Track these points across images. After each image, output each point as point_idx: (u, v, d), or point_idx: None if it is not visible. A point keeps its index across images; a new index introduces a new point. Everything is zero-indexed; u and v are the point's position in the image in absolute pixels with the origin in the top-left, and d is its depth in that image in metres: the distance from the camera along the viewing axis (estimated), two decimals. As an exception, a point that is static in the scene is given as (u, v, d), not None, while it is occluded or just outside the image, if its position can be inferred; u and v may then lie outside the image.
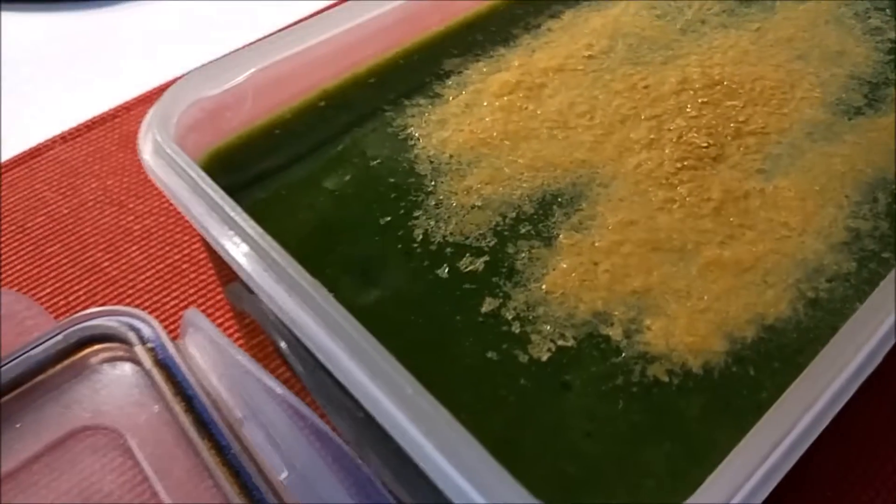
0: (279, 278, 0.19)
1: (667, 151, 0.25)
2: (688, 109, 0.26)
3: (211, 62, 0.24)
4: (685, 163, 0.24)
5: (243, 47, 0.25)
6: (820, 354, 0.17)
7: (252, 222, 0.20)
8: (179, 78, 0.24)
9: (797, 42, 0.29)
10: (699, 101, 0.26)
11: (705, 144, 0.25)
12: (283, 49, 0.25)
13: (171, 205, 0.37)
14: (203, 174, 0.21)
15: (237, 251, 0.20)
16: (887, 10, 0.30)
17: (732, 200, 0.23)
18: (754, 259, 0.22)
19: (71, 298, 0.34)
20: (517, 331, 0.20)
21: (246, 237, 0.20)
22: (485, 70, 0.28)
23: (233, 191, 0.21)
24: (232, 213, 0.20)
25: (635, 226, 0.23)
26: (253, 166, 0.25)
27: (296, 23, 0.28)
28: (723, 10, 0.30)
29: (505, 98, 0.27)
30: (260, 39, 0.26)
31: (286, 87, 0.26)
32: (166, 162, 0.22)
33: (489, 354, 0.20)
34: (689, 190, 0.24)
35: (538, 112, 0.26)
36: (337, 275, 0.22)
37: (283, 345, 0.26)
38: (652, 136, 0.25)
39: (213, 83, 0.24)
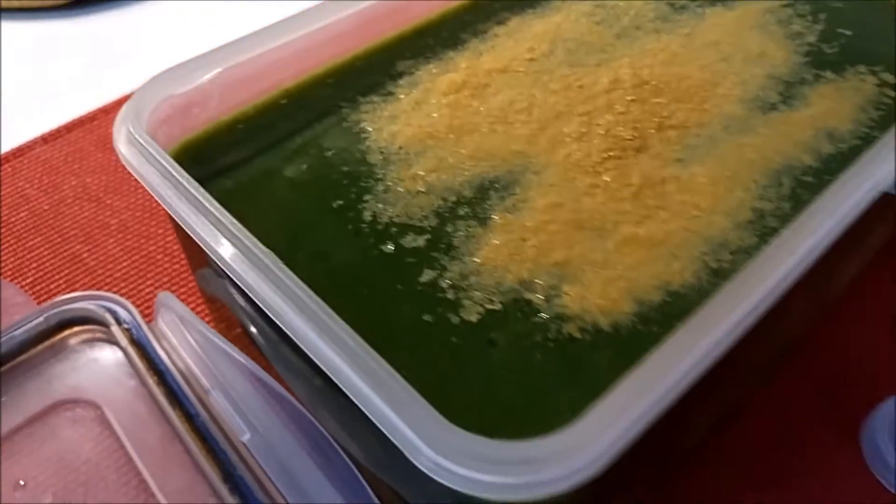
0: (241, 254, 0.21)
1: (595, 143, 0.27)
2: (617, 106, 0.29)
3: (180, 63, 0.27)
4: (610, 153, 0.27)
5: (210, 50, 0.28)
6: (701, 308, 0.19)
7: (216, 203, 0.22)
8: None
9: (723, 45, 0.32)
10: (628, 98, 0.29)
11: (630, 137, 0.28)
12: (247, 51, 0.28)
13: (146, 200, 0.40)
14: (172, 162, 0.23)
15: (204, 230, 0.22)
16: (808, 17, 0.33)
17: (650, 186, 0.26)
18: (665, 235, 0.24)
19: (52, 286, 0.36)
20: (451, 297, 0.23)
21: (212, 218, 0.22)
22: (435, 71, 0.31)
23: (200, 180, 0.23)
24: (198, 196, 0.22)
25: (561, 208, 0.25)
26: (219, 158, 0.27)
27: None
28: (656, 17, 0.33)
29: (452, 96, 0.29)
30: (226, 43, 0.28)
31: (250, 86, 0.29)
32: (139, 151, 0.24)
33: (425, 317, 0.22)
34: (612, 177, 0.26)
35: (481, 109, 0.29)
36: (293, 252, 0.24)
37: (247, 321, 0.28)
38: (582, 130, 0.28)
39: (181, 82, 0.27)
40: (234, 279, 0.21)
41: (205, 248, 0.22)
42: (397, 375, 0.18)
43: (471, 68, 0.30)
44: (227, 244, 0.22)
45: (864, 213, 0.25)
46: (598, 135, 0.28)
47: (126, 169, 0.36)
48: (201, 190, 0.23)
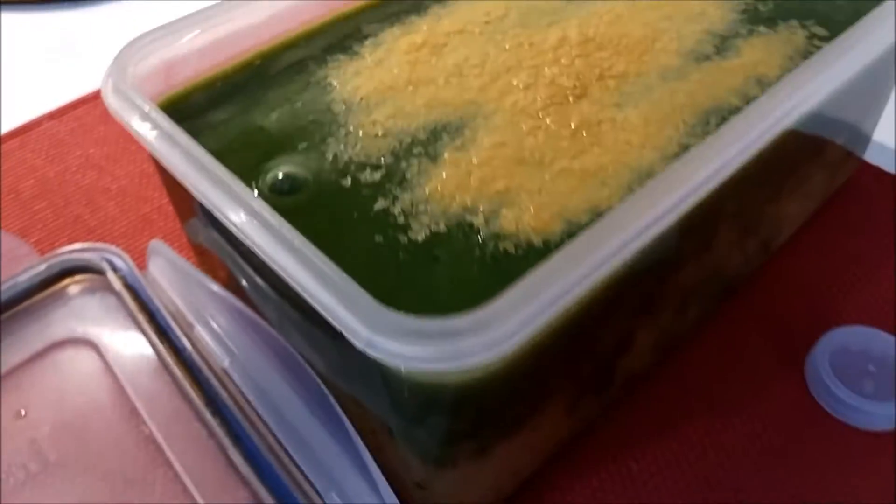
0: (216, 185, 0.24)
1: (540, 92, 0.30)
2: (562, 60, 0.31)
3: (162, 24, 0.30)
4: (554, 100, 0.30)
5: (191, 13, 0.30)
6: (610, 214, 0.22)
7: (194, 142, 0.25)
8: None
9: (666, 8, 0.34)
10: (573, 54, 0.32)
11: (572, 86, 0.30)
12: (225, 15, 0.31)
13: (144, 166, 0.43)
14: (154, 107, 0.26)
15: (184, 167, 0.25)
16: (750, -19, 0.36)
17: (587, 126, 0.28)
18: (598, 167, 0.27)
19: (55, 244, 0.39)
20: (401, 221, 0.26)
21: (190, 157, 0.25)
22: (398, 34, 0.33)
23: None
24: (177, 137, 0.25)
25: (505, 146, 0.28)
26: (198, 111, 0.30)
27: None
28: (605, -16, 0.36)
29: (412, 54, 0.32)
30: (206, 7, 0.31)
31: (228, 47, 0.32)
32: (124, 100, 0.27)
33: (377, 238, 0.25)
34: (553, 120, 0.29)
35: (438, 64, 0.32)
36: (263, 186, 0.27)
37: (225, 257, 0.31)
38: (529, 81, 0.30)
39: (163, 41, 0.30)
40: (205, 205, 0.24)
41: (182, 181, 0.25)
42: (340, 271, 0.21)
43: (430, 30, 0.33)
44: (201, 177, 0.24)
45: (778, 147, 0.28)
46: (544, 85, 0.30)
47: (126, 139, 0.39)
48: (180, 131, 0.25)
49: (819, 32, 0.32)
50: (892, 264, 0.36)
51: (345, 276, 0.20)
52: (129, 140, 0.45)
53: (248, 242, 0.23)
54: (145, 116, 0.26)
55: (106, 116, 0.47)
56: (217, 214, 0.24)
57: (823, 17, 0.33)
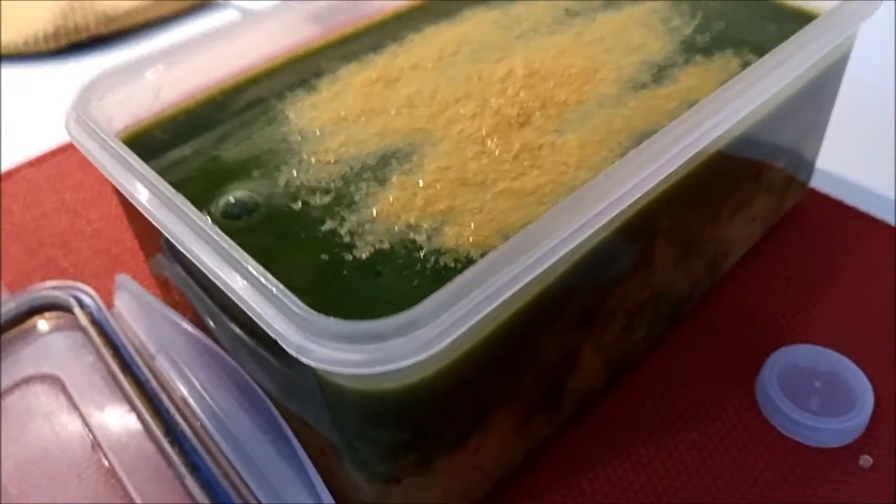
0: (170, 210, 0.25)
1: (486, 120, 0.31)
2: (508, 92, 0.33)
3: (127, 61, 0.31)
4: (498, 128, 0.31)
5: (156, 50, 0.32)
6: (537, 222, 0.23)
7: (154, 173, 0.26)
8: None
9: (608, 41, 0.36)
10: (518, 86, 0.33)
11: (516, 114, 0.32)
12: (188, 53, 0.33)
13: (117, 209, 0.44)
14: (114, 138, 0.28)
15: (143, 197, 0.26)
16: (688, 14, 0.37)
17: (528, 150, 0.30)
18: (536, 187, 0.28)
19: (28, 284, 0.40)
20: (347, 240, 0.27)
21: (148, 184, 0.26)
22: (355, 70, 0.35)
23: (143, 161, 0.27)
24: (140, 169, 0.26)
25: (450, 169, 0.29)
26: (159, 144, 0.31)
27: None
28: (553, 22, 0.38)
29: (367, 88, 0.34)
30: (171, 45, 0.33)
31: (190, 85, 0.33)
32: (86, 131, 0.28)
33: (323, 256, 0.26)
34: (496, 145, 0.30)
35: (391, 97, 0.33)
36: (216, 211, 0.28)
37: (187, 291, 0.32)
38: (476, 111, 0.32)
39: (128, 78, 0.31)
40: (160, 227, 0.25)
41: (139, 208, 0.26)
42: (272, 279, 0.22)
43: (386, 66, 0.35)
44: (158, 203, 0.25)
45: (707, 166, 0.29)
46: (490, 114, 0.32)
47: (101, 183, 0.40)
48: (135, 156, 0.27)
49: (752, 60, 0.34)
50: (839, 286, 0.37)
51: (276, 283, 0.21)
52: (103, 185, 0.47)
53: (191, 256, 0.24)
54: (105, 146, 0.27)
55: (83, 163, 0.48)
56: (162, 230, 0.25)
57: (757, 46, 0.34)
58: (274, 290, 0.21)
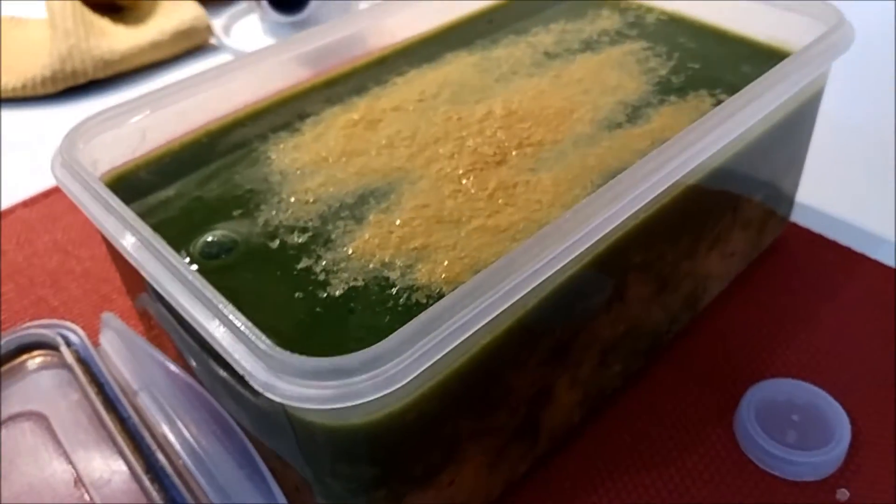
0: (147, 250, 0.26)
1: (463, 160, 0.32)
2: (486, 132, 0.34)
3: (114, 105, 0.32)
4: (475, 167, 0.32)
5: (142, 95, 0.33)
6: (504, 259, 0.23)
7: (133, 214, 0.27)
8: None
9: (585, 82, 0.37)
10: (496, 126, 0.34)
11: (493, 153, 0.32)
12: (174, 97, 0.33)
13: (111, 252, 0.45)
14: (97, 181, 0.28)
15: (121, 238, 0.26)
16: (664, 56, 0.38)
17: (503, 189, 0.30)
18: (509, 224, 0.29)
19: (18, 323, 0.40)
20: (322, 278, 0.27)
21: (127, 224, 0.27)
22: (338, 112, 0.36)
23: (126, 202, 0.28)
24: (121, 211, 0.27)
25: (427, 207, 0.30)
26: (143, 186, 0.32)
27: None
28: (532, 64, 0.39)
29: (348, 130, 0.34)
30: (157, 89, 0.33)
31: (176, 127, 0.34)
32: (70, 174, 0.29)
33: (297, 294, 0.27)
34: (472, 184, 0.31)
35: (372, 138, 0.34)
36: (196, 251, 0.29)
37: (168, 328, 0.32)
38: (454, 151, 0.33)
39: (114, 122, 0.32)
40: (137, 266, 0.26)
41: (120, 250, 0.26)
42: (242, 317, 0.22)
43: (368, 108, 0.36)
44: (139, 245, 0.26)
45: (679, 201, 0.29)
46: (467, 153, 0.32)
47: (91, 224, 0.41)
48: (116, 199, 0.27)
49: (725, 99, 0.34)
50: (819, 319, 0.38)
51: (245, 321, 0.22)
52: (93, 225, 0.47)
53: (166, 296, 0.24)
54: (88, 187, 0.28)
55: (74, 204, 0.49)
56: (141, 272, 0.25)
57: (730, 86, 0.35)
58: (242, 327, 0.22)
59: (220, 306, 0.22)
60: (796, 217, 0.43)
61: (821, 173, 0.44)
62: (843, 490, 0.30)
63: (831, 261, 0.41)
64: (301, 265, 0.28)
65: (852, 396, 0.34)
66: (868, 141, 0.51)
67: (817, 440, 0.32)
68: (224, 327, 0.22)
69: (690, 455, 0.32)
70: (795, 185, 0.41)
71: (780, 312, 0.38)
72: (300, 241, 0.29)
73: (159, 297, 0.29)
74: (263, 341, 0.21)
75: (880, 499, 0.30)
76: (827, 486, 0.31)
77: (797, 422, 0.32)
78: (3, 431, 0.34)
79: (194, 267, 0.28)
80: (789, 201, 0.41)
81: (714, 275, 0.37)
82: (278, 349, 0.21)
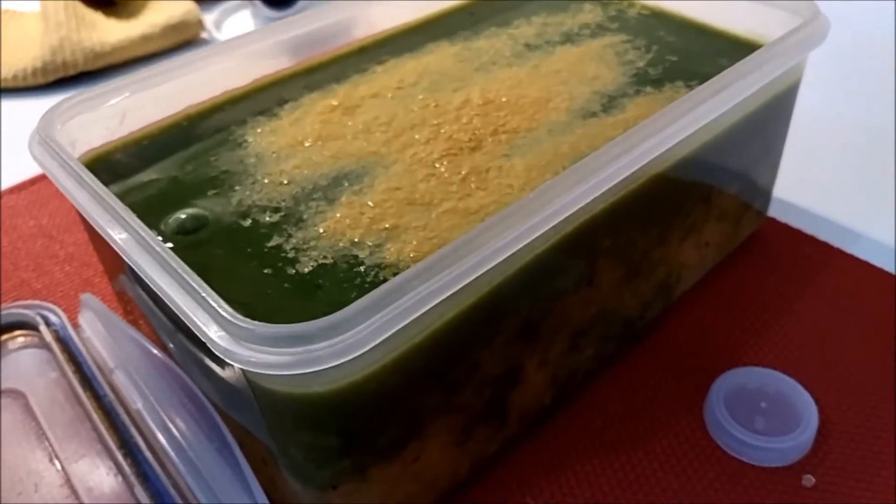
0: (116, 222, 0.26)
1: (438, 145, 0.32)
2: (463, 119, 0.34)
3: (93, 88, 0.33)
4: (449, 152, 0.32)
5: (121, 78, 0.33)
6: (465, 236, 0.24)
7: (110, 193, 0.27)
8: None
9: (563, 73, 0.37)
10: (473, 113, 0.34)
11: (468, 139, 0.33)
12: (153, 80, 0.34)
13: (90, 234, 0.45)
14: (75, 160, 0.29)
15: (93, 210, 0.27)
16: (642, 49, 0.39)
17: (476, 174, 0.31)
18: (480, 207, 0.29)
19: (-2, 303, 0.41)
20: (291, 256, 0.27)
21: (100, 199, 0.27)
22: (316, 98, 0.36)
23: (104, 183, 0.28)
24: (96, 188, 0.27)
25: (400, 190, 0.30)
26: (121, 167, 0.32)
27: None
28: (512, 55, 0.39)
29: (326, 115, 0.35)
30: (137, 72, 0.34)
31: (155, 111, 0.34)
32: (48, 152, 0.30)
33: (266, 271, 0.27)
34: (446, 168, 0.31)
35: (349, 123, 0.34)
36: (172, 228, 0.29)
37: (143, 307, 0.32)
38: (430, 137, 0.33)
39: (92, 103, 0.32)
40: (107, 238, 0.26)
41: (91, 223, 0.27)
42: (205, 286, 0.22)
43: (346, 95, 0.36)
44: (109, 219, 0.26)
45: (648, 187, 0.30)
46: (443, 139, 0.33)
47: (76, 209, 0.41)
48: (92, 177, 0.28)
49: (701, 91, 0.35)
50: (793, 311, 0.38)
51: (207, 289, 0.22)
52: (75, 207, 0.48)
53: (133, 266, 0.24)
54: (64, 165, 0.29)
55: (59, 192, 0.50)
56: (108, 240, 0.25)
57: (706, 78, 0.35)
58: (204, 295, 0.22)
59: (184, 275, 0.23)
60: (775, 212, 0.43)
61: (800, 169, 0.45)
62: (808, 476, 0.31)
63: (808, 255, 0.41)
64: (271, 243, 0.28)
65: (821, 386, 0.34)
66: (847, 138, 0.51)
67: (785, 427, 0.32)
68: (188, 295, 0.22)
69: (660, 440, 0.33)
70: (772, 179, 0.41)
71: (754, 303, 0.38)
72: (272, 220, 0.29)
73: (136, 278, 0.30)
74: (224, 309, 0.21)
75: (845, 485, 0.30)
76: (793, 472, 0.31)
77: (766, 409, 0.33)
78: (-17, 408, 0.34)
79: (168, 244, 0.28)
80: (766, 195, 0.41)
81: (688, 264, 0.37)
82: (239, 316, 0.21)
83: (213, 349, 0.21)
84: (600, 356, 0.34)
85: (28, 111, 0.60)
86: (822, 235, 0.43)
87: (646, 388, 0.34)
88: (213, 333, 0.21)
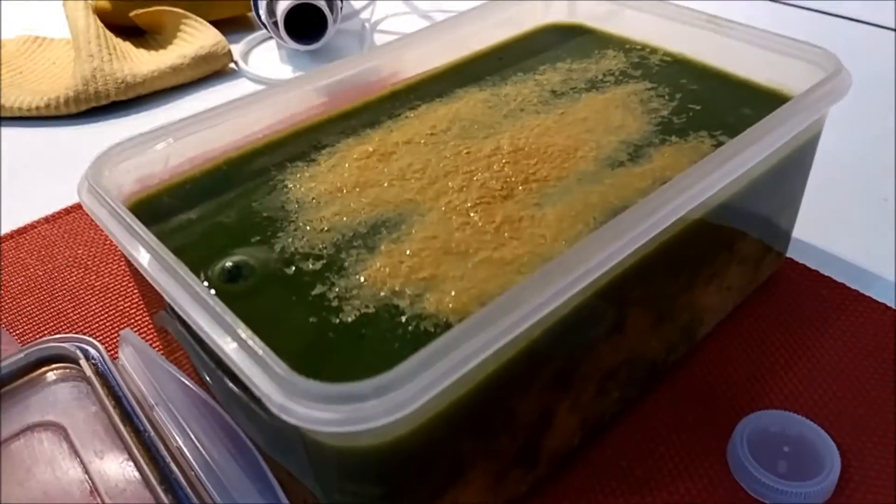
0: (169, 274, 0.27)
1: (471, 193, 0.34)
2: (494, 167, 0.35)
3: (138, 134, 0.34)
4: (482, 200, 0.33)
5: (165, 124, 0.35)
6: (509, 293, 0.25)
7: (156, 240, 0.28)
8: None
9: (589, 121, 0.38)
10: (503, 161, 0.36)
11: (500, 188, 0.34)
12: (195, 127, 0.35)
13: (126, 266, 0.46)
14: (121, 206, 0.30)
15: (145, 261, 0.28)
16: (666, 97, 0.40)
17: (509, 223, 0.32)
18: (514, 257, 0.30)
19: (37, 337, 0.42)
20: (335, 304, 0.29)
21: (150, 249, 0.28)
22: (352, 143, 0.37)
23: (149, 226, 0.29)
24: (144, 236, 0.28)
25: (436, 239, 0.31)
26: (165, 211, 0.34)
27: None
28: (539, 101, 0.40)
29: (362, 161, 0.36)
30: (181, 119, 0.35)
31: (197, 156, 0.36)
32: (96, 199, 0.31)
33: (311, 320, 0.28)
34: (480, 217, 0.32)
35: (385, 170, 0.35)
36: (216, 275, 0.30)
37: (186, 346, 0.33)
38: (463, 184, 0.34)
39: (138, 149, 0.34)
40: (161, 291, 0.27)
41: (142, 272, 0.28)
42: (259, 342, 0.23)
43: (381, 141, 0.37)
44: (159, 268, 0.27)
45: (678, 238, 0.31)
46: (476, 187, 0.34)
47: (112, 241, 0.42)
48: (140, 224, 0.29)
49: (725, 141, 0.36)
50: (813, 353, 0.39)
51: (262, 346, 0.23)
52: (114, 242, 0.49)
53: (187, 319, 0.26)
54: (114, 213, 0.30)
55: (95, 223, 0.51)
56: (164, 295, 0.27)
57: (730, 128, 0.37)
58: (260, 352, 0.23)
59: (239, 331, 0.24)
60: (793, 253, 0.44)
61: (817, 210, 0.46)
62: (830, 521, 0.31)
63: (826, 296, 0.42)
64: (315, 291, 0.29)
65: (843, 430, 0.35)
66: (864, 179, 0.52)
67: (807, 471, 0.33)
68: (242, 351, 0.23)
69: (684, 481, 0.33)
70: (792, 222, 0.42)
71: (774, 345, 0.39)
72: (314, 267, 0.30)
73: (177, 317, 0.31)
74: (280, 366, 0.23)
75: (867, 530, 0.31)
76: (816, 516, 0.32)
77: (788, 453, 0.33)
78: (22, 440, 0.35)
79: (213, 291, 0.29)
80: (786, 238, 0.42)
81: (711, 307, 0.38)
82: (294, 374, 0.22)
83: (267, 405, 0.22)
84: (625, 399, 0.35)
85: (60, 139, 0.61)
86: (839, 277, 0.43)
87: (669, 430, 0.35)
88: (268, 389, 0.23)
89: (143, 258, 0.28)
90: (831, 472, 0.32)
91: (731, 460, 0.34)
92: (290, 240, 0.32)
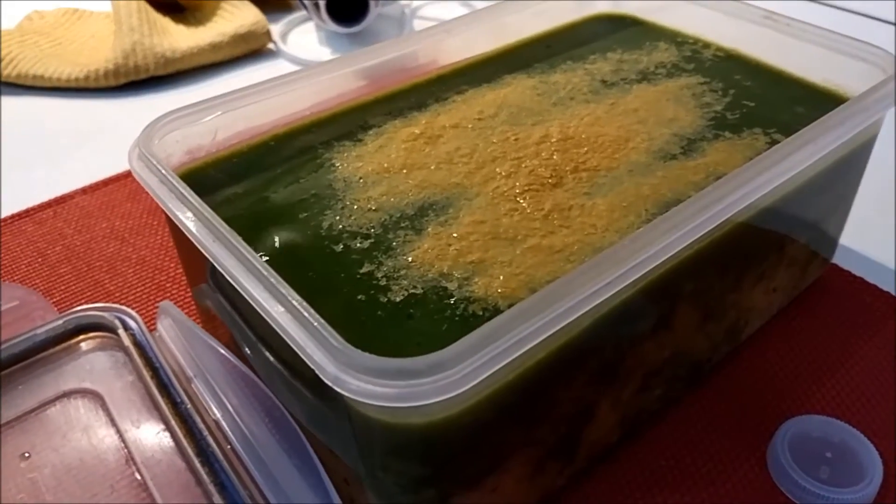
0: (221, 243, 0.27)
1: (520, 180, 0.33)
2: (543, 155, 0.35)
3: (186, 105, 0.34)
4: (531, 187, 0.33)
5: (213, 97, 0.35)
6: (562, 280, 0.24)
7: (208, 208, 0.28)
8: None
9: (641, 112, 0.38)
10: (552, 149, 0.35)
11: (549, 176, 0.33)
12: (243, 101, 0.35)
13: (163, 239, 0.46)
14: (172, 173, 0.30)
15: (194, 227, 0.28)
16: (720, 92, 0.39)
17: (559, 211, 0.31)
18: (564, 245, 0.30)
19: (74, 304, 0.42)
20: (383, 283, 0.28)
21: (201, 216, 0.28)
22: (399, 125, 0.37)
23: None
24: (193, 202, 0.28)
25: (484, 224, 0.31)
26: (213, 182, 0.34)
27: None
28: (589, 91, 0.40)
29: (409, 143, 0.36)
30: (230, 91, 0.35)
31: (245, 129, 0.35)
32: (146, 166, 0.31)
33: (359, 297, 0.28)
34: (528, 204, 0.32)
35: (432, 153, 0.35)
36: (266, 250, 0.30)
37: (228, 320, 0.33)
38: (511, 171, 0.34)
39: (186, 120, 0.33)
40: (208, 258, 0.27)
41: (192, 239, 0.28)
42: (314, 314, 0.23)
43: (429, 124, 0.37)
44: (211, 239, 0.27)
45: (729, 235, 0.30)
46: (524, 174, 0.34)
47: (149, 213, 0.42)
48: (193, 194, 0.29)
49: (779, 139, 0.35)
50: (855, 360, 0.38)
51: (317, 317, 0.23)
52: (151, 215, 0.49)
53: (239, 288, 0.25)
54: (165, 180, 0.30)
55: (133, 193, 0.51)
56: (217, 266, 0.26)
57: (784, 126, 0.36)
58: (315, 323, 0.23)
59: (295, 302, 0.23)
60: (838, 258, 0.44)
61: (865, 217, 0.45)
62: (873, 529, 0.31)
63: (871, 304, 0.41)
64: (363, 269, 0.29)
65: (885, 437, 0.34)
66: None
67: (849, 478, 0.32)
68: (297, 322, 0.23)
69: (723, 483, 0.33)
70: (840, 227, 0.41)
71: (817, 350, 0.39)
72: (363, 246, 0.30)
73: (221, 289, 0.31)
74: (336, 338, 0.22)
75: (910, 541, 0.31)
76: (857, 524, 0.31)
77: (830, 458, 0.33)
78: (58, 406, 0.35)
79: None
80: (833, 243, 0.42)
81: (756, 308, 0.38)
82: (349, 346, 0.22)
83: (321, 376, 0.22)
84: (667, 397, 0.35)
85: (98, 112, 0.62)
86: (883, 284, 0.43)
87: (709, 431, 0.35)
88: (322, 360, 0.22)
89: (192, 225, 0.28)
90: (873, 480, 0.32)
91: (772, 464, 0.33)
92: (337, 217, 0.31)
